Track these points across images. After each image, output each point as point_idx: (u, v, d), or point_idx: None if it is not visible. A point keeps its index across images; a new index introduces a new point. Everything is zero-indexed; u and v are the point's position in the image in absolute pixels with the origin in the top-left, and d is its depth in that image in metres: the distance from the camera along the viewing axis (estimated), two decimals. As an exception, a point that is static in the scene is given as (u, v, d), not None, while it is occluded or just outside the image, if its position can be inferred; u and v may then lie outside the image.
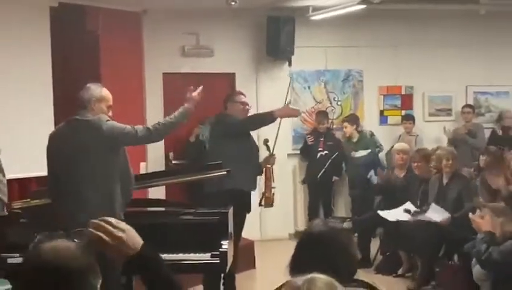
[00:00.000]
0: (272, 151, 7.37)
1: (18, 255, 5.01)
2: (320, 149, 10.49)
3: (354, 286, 2.59)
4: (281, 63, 10.64)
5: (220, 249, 5.25)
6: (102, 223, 2.35)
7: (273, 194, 7.40)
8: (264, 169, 7.30)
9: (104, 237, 2.32)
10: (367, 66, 11.16)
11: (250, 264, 8.70)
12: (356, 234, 8.56)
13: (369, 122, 11.08)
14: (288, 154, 10.77)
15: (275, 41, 10.34)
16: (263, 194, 7.49)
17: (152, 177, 6.20)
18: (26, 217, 5.42)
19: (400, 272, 8.25)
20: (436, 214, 7.74)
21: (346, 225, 9.08)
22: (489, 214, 5.39)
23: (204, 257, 5.25)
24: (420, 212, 7.94)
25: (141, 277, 2.39)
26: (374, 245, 8.87)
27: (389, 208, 8.38)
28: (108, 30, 9.13)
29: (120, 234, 2.35)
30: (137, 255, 2.36)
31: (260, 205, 7.62)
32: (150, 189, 7.37)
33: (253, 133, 7.37)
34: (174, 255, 5.17)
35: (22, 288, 2.13)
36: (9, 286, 4.71)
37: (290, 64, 10.68)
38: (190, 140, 10.32)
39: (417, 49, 11.10)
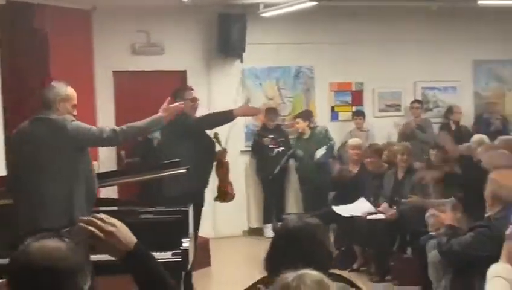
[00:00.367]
0: (223, 145, 7.36)
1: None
2: (272, 146, 10.47)
3: (330, 280, 2.59)
4: (233, 60, 10.62)
5: (181, 247, 5.23)
6: (93, 219, 2.31)
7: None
8: (217, 163, 7.28)
9: (97, 231, 2.28)
10: (318, 63, 11.21)
11: (206, 262, 8.68)
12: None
13: (321, 119, 11.13)
14: (241, 151, 10.78)
15: (226, 39, 10.32)
16: (220, 188, 7.47)
17: (107, 177, 6.13)
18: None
19: (354, 266, 8.32)
20: (362, 206, 8.03)
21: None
22: (450, 209, 5.52)
23: (166, 255, 5.22)
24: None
25: (134, 275, 2.35)
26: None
27: (343, 204, 8.45)
28: (57, 28, 8.98)
29: (111, 228, 2.31)
30: (131, 253, 2.32)
31: (216, 199, 7.61)
32: (101, 189, 7.28)
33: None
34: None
35: (10, 289, 2.08)
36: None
37: (241, 61, 10.67)
38: (138, 138, 10.19)
39: (367, 45, 11.20)
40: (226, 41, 10.34)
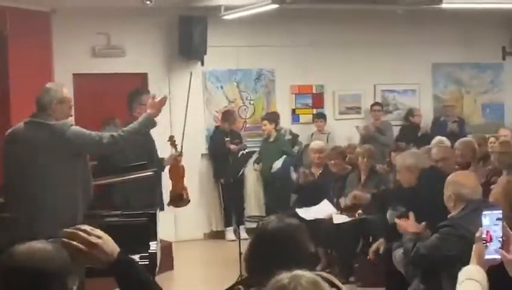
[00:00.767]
0: (179, 149, 7.25)
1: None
2: (234, 147, 10.40)
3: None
4: (194, 62, 10.57)
5: (149, 251, 5.18)
6: (77, 232, 2.27)
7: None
8: (171, 167, 7.18)
9: (80, 246, 2.24)
10: (278, 66, 11.24)
11: (169, 265, 8.62)
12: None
13: (282, 121, 11.13)
14: (202, 154, 10.74)
15: (187, 41, 10.28)
16: (174, 192, 7.36)
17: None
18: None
19: (318, 268, 8.33)
20: (325, 209, 8.10)
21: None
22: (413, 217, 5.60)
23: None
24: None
25: (118, 284, 2.33)
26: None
27: (305, 206, 8.46)
28: (17, 30, 8.87)
29: (96, 240, 2.28)
30: (115, 262, 2.30)
31: (169, 204, 7.51)
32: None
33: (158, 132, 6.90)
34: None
35: None
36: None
37: (202, 64, 10.65)
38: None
39: (327, 48, 11.26)
40: (187, 44, 10.31)
